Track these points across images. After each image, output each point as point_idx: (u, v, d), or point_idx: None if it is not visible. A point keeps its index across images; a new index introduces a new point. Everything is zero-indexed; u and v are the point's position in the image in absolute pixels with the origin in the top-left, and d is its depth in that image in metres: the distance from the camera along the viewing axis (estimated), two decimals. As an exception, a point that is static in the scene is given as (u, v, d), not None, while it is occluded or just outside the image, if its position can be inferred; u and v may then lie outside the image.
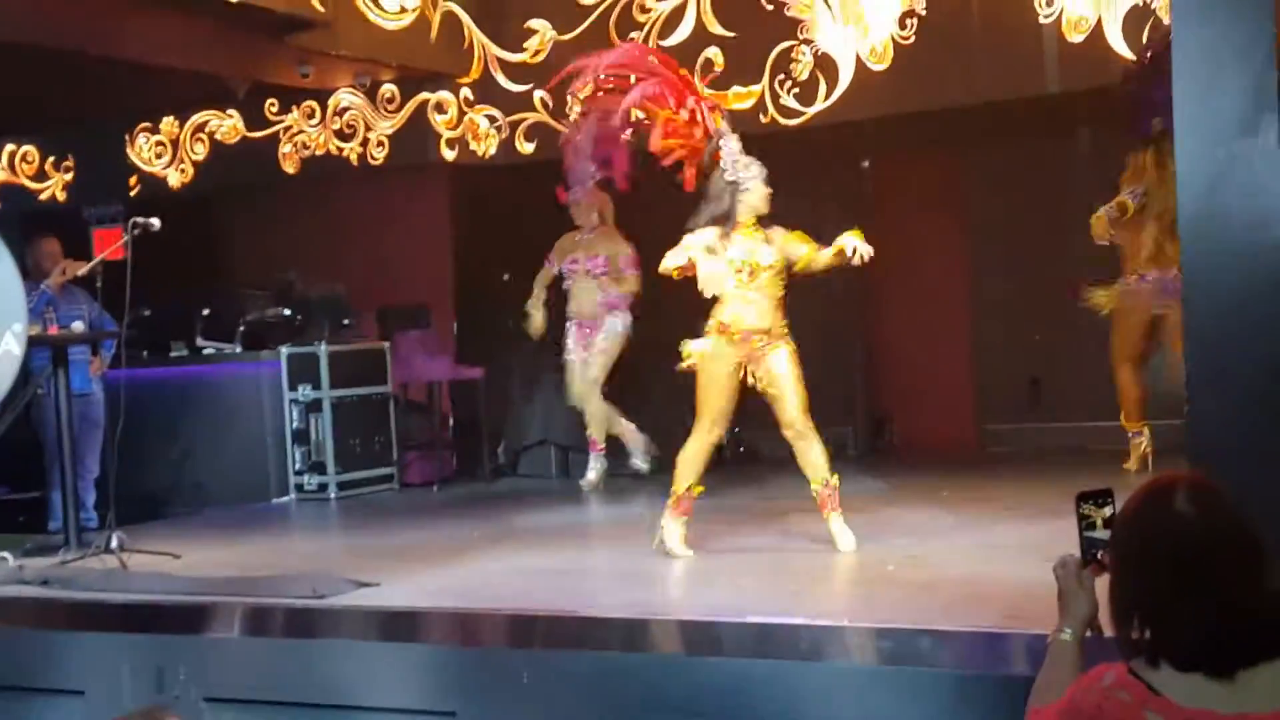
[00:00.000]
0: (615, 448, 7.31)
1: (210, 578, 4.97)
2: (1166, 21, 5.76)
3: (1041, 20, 6.74)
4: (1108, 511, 2.36)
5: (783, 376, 5.09)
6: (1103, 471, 5.99)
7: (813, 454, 5.08)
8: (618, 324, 7.20)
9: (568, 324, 7.32)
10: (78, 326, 6.32)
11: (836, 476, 5.10)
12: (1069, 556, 2.31)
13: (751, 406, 8.52)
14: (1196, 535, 1.98)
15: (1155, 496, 2.05)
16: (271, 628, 4.42)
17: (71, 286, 6.78)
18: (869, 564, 4.75)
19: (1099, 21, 6.61)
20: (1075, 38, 6.67)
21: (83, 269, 6.44)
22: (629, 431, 7.24)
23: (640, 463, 7.21)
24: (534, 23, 7.94)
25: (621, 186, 5.92)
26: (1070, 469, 6.72)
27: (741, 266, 5.07)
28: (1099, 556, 2.32)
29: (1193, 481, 2.04)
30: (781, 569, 4.83)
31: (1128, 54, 6.54)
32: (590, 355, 7.18)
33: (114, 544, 5.38)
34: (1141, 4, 6.50)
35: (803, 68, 7.32)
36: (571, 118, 6.56)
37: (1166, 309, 5.96)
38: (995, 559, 4.73)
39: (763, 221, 5.21)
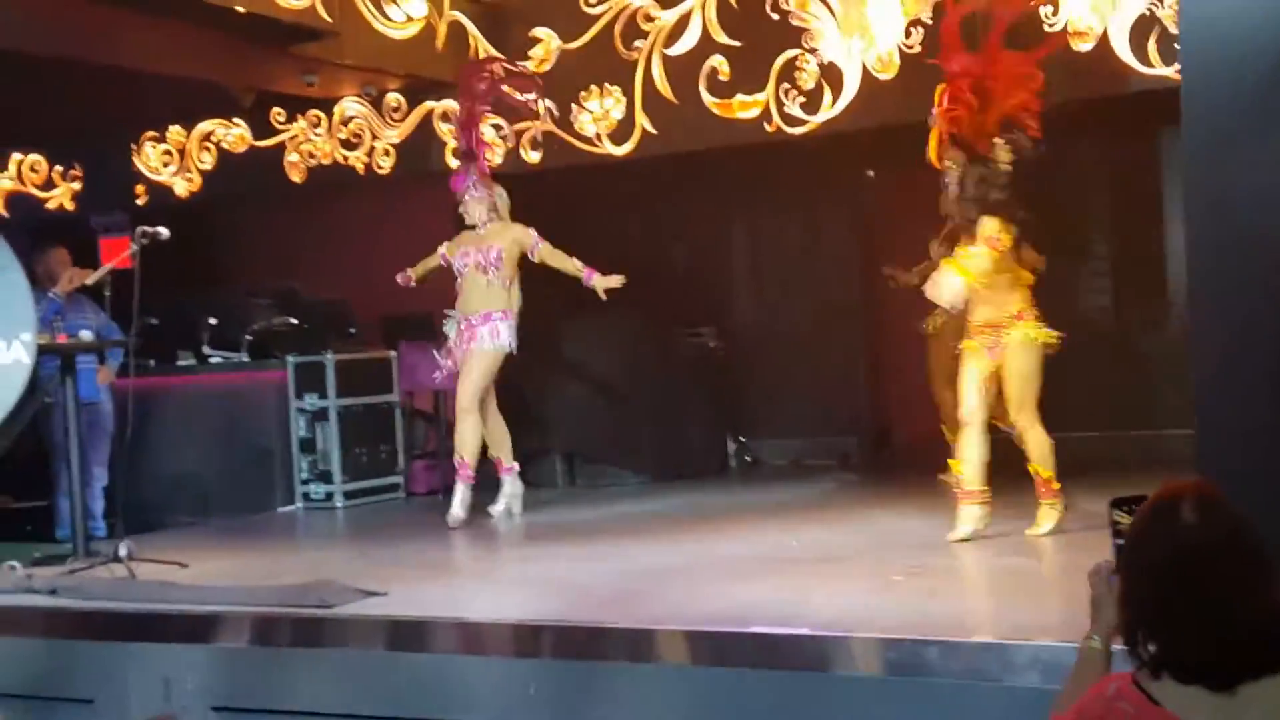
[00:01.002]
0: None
1: (217, 587, 4.97)
2: (1174, 30, 5.79)
3: (1046, 29, 6.74)
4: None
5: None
6: (1106, 482, 5.98)
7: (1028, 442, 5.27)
8: (501, 333, 6.59)
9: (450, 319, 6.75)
10: (86, 335, 6.34)
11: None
12: (1102, 563, 2.29)
13: (757, 415, 8.58)
14: (1200, 546, 1.95)
15: (1161, 507, 2.03)
16: (278, 637, 4.43)
17: (78, 295, 6.80)
18: (874, 574, 4.75)
19: (1105, 31, 6.61)
20: (1081, 47, 6.67)
21: (91, 277, 6.46)
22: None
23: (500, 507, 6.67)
24: (539, 31, 7.96)
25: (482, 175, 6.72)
26: (1074, 480, 6.72)
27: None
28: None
29: (1200, 492, 2.02)
30: (786, 579, 4.83)
31: (1134, 64, 6.55)
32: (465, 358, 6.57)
33: (122, 553, 5.39)
34: (1148, 14, 6.51)
35: (808, 77, 7.32)
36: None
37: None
38: (1002, 569, 4.73)
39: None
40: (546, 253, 6.63)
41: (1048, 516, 5.25)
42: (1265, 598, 1.93)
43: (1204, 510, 1.97)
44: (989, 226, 5.22)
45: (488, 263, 6.61)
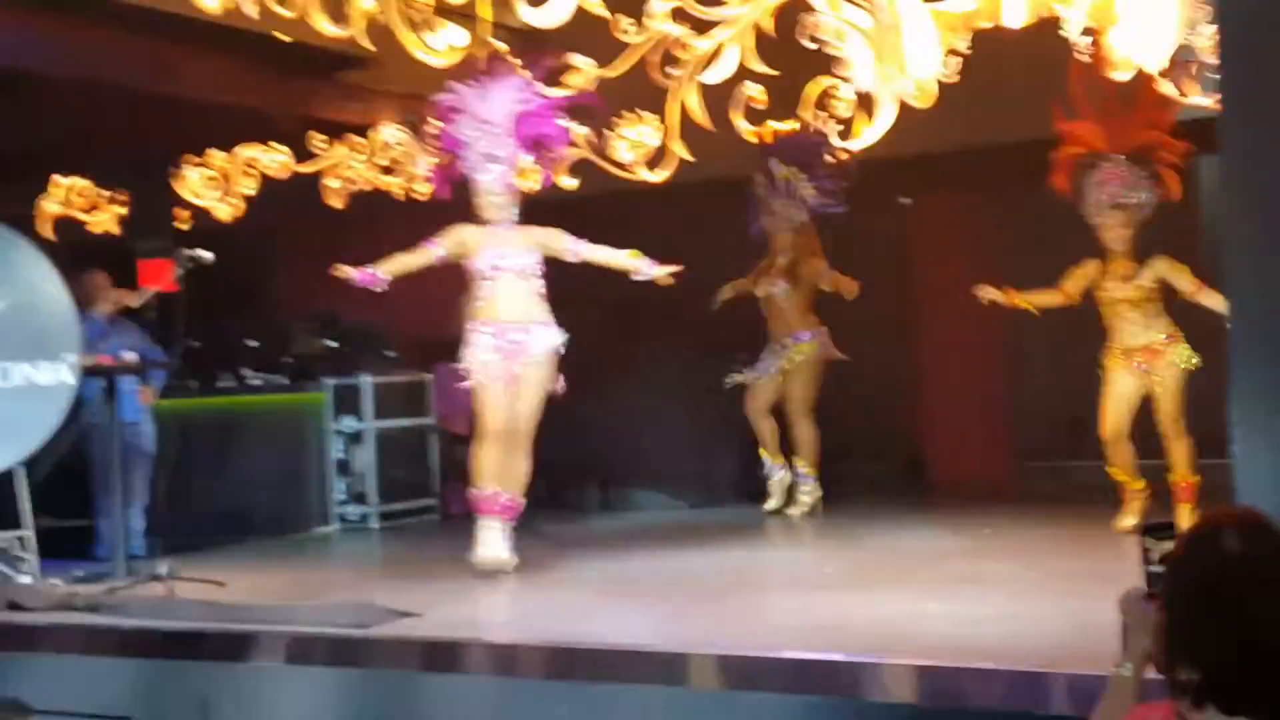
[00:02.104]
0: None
1: (254, 605, 5.02)
2: (1212, 62, 5.77)
3: (1078, 55, 6.73)
4: (1169, 545, 2.26)
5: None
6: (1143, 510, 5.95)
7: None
8: (548, 344, 5.87)
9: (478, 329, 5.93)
10: (129, 357, 6.43)
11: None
12: (1133, 590, 2.24)
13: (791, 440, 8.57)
14: (1244, 574, 1.91)
15: (1204, 533, 1.99)
16: (315, 657, 4.46)
17: (121, 317, 6.90)
18: (908, 601, 4.74)
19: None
20: (1118, 76, 6.66)
21: (136, 300, 6.56)
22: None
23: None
24: (576, 59, 8.03)
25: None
26: (1111, 509, 6.68)
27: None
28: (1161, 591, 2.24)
29: (1244, 518, 1.98)
30: (824, 606, 4.83)
31: (1172, 92, 6.53)
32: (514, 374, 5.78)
33: (162, 572, 5.45)
34: (1184, 44, 6.48)
35: (844, 105, 7.34)
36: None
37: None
38: (1037, 598, 4.71)
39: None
40: (587, 251, 6.04)
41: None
42: None
43: (1248, 535, 1.93)
44: None
45: (528, 266, 5.92)
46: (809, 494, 7.27)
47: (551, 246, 5.97)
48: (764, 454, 7.30)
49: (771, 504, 7.20)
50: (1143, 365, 6.00)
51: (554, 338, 5.83)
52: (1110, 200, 6.00)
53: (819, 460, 7.25)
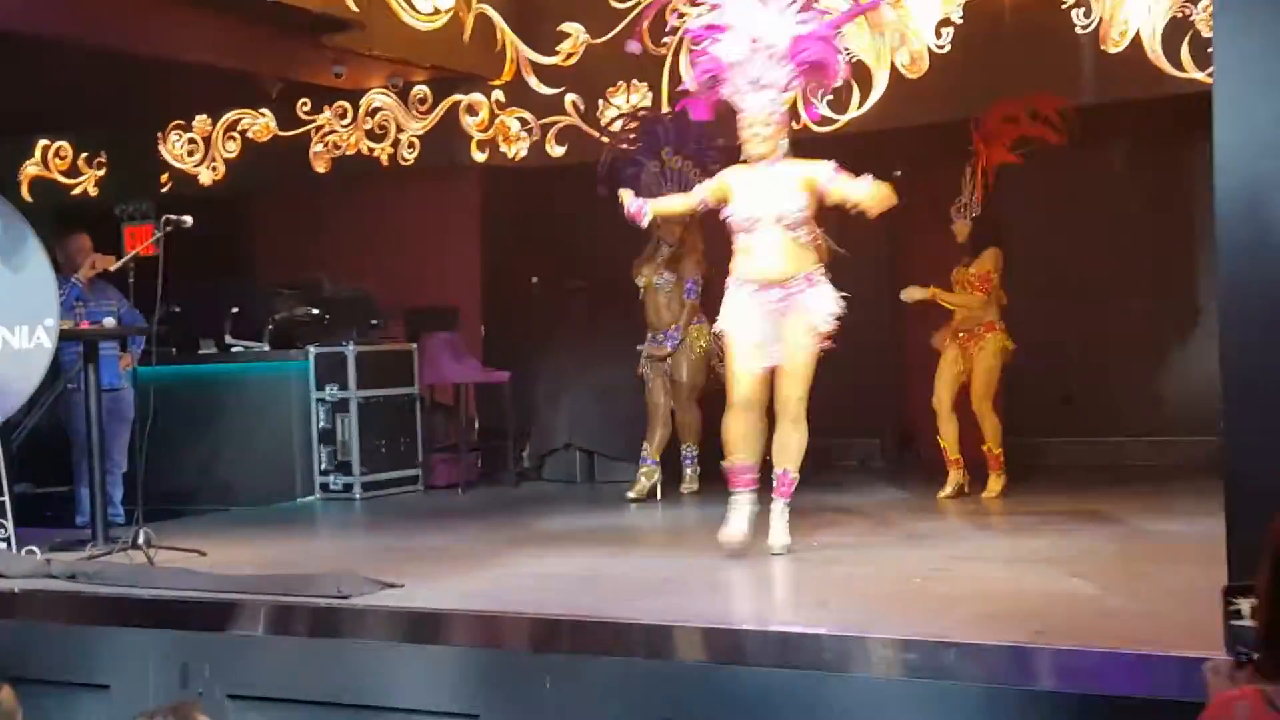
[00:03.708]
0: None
1: (236, 575, 4.97)
2: (1206, 34, 5.73)
3: (1079, 31, 6.69)
4: (1247, 607, 2.13)
5: None
6: (1135, 488, 5.94)
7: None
8: (826, 298, 5.14)
9: (734, 285, 5.20)
10: (108, 322, 6.35)
11: None
12: (1219, 661, 2.08)
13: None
14: None
15: None
16: (296, 627, 4.42)
17: (101, 282, 6.81)
18: (895, 576, 4.71)
19: (1138, 33, 6.56)
20: (1113, 49, 6.62)
21: (114, 264, 6.47)
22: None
23: None
24: (567, 26, 7.95)
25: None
26: (1102, 484, 6.67)
27: None
28: (1254, 658, 2.02)
29: None
30: (807, 578, 4.80)
31: (1167, 67, 6.49)
32: (790, 338, 5.09)
33: (141, 540, 5.40)
34: (1181, 16, 6.45)
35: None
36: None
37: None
38: (1025, 573, 4.68)
39: None
40: (838, 190, 5.13)
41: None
42: None
43: None
44: None
45: (793, 215, 5.09)
46: (694, 474, 7.24)
47: (816, 183, 5.11)
48: (647, 446, 7.21)
49: (633, 493, 7.11)
50: (968, 346, 6.61)
51: (824, 296, 5.10)
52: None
53: (701, 440, 7.22)
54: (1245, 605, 2.05)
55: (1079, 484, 6.70)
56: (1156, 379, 7.81)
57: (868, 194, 5.03)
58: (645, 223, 5.48)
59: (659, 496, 7.23)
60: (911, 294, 6.66)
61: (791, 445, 5.15)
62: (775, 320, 5.06)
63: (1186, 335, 7.49)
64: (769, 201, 5.06)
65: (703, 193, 5.31)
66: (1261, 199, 3.44)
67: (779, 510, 5.18)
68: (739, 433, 5.15)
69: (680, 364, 7.22)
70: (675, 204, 5.67)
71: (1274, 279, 3.44)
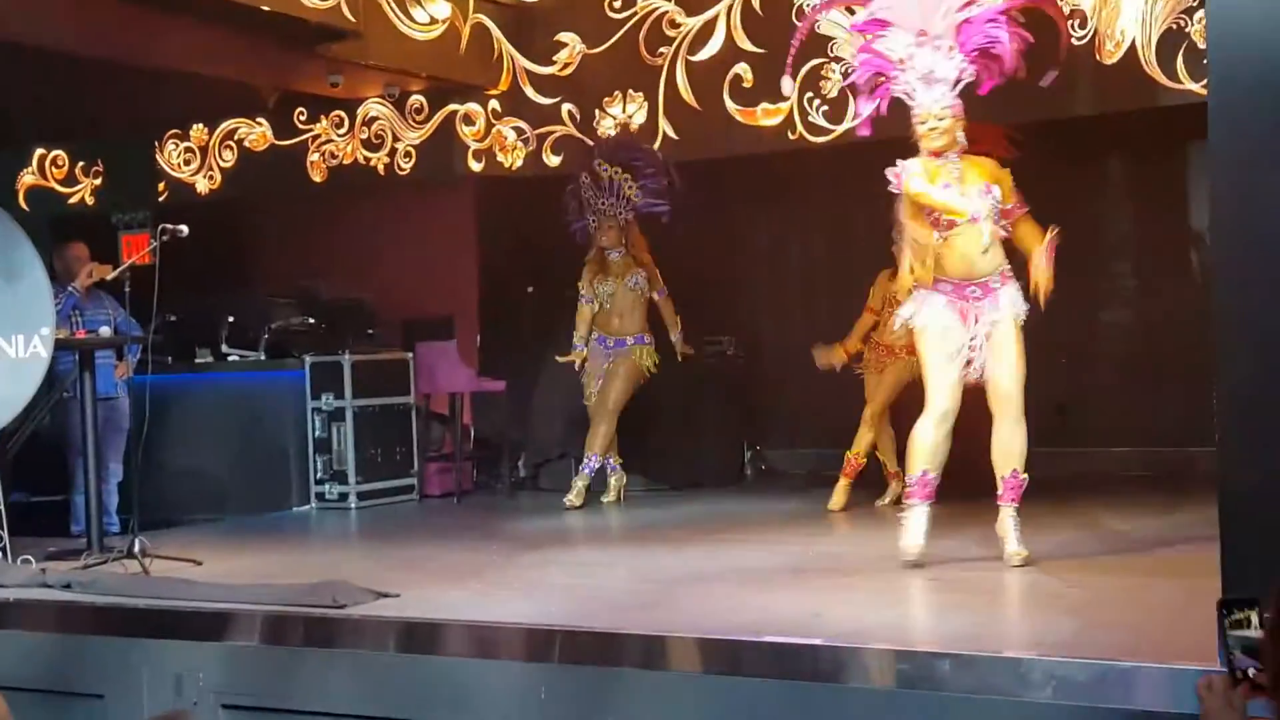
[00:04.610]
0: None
1: (230, 585, 4.97)
2: (1201, 45, 5.75)
3: (1074, 42, 6.71)
4: (1255, 618, 1.96)
5: None
6: (1131, 498, 5.95)
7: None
8: (1016, 299, 4.96)
9: (933, 290, 4.97)
10: (104, 331, 6.35)
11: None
12: (1214, 677, 1.94)
13: (775, 425, 8.55)
14: None
15: None
16: (291, 636, 4.42)
17: (97, 291, 6.81)
18: (890, 586, 4.72)
19: (1133, 44, 6.58)
20: (1108, 60, 6.64)
21: (111, 273, 6.47)
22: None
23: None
24: (563, 36, 7.96)
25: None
26: (1097, 495, 6.67)
27: None
28: (1249, 674, 1.94)
29: None
30: (803, 591, 4.80)
31: (1162, 78, 6.51)
32: (980, 337, 4.91)
33: (136, 549, 5.39)
34: (1175, 28, 6.47)
35: (832, 85, 7.30)
36: None
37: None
38: (1017, 585, 4.69)
39: None
40: (1027, 231, 5.04)
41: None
42: None
43: None
44: None
45: (984, 209, 4.86)
46: (584, 485, 7.25)
47: (1006, 190, 4.97)
48: (588, 450, 7.25)
49: (571, 498, 7.14)
50: (904, 356, 6.48)
51: (1017, 294, 4.95)
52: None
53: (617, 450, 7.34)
54: (1244, 617, 1.88)
55: (1072, 494, 6.70)
56: (1150, 389, 7.82)
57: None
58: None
59: (622, 499, 7.28)
60: (825, 358, 6.89)
61: (1016, 444, 4.95)
62: (976, 321, 4.88)
63: (1181, 346, 7.50)
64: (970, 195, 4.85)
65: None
66: (1256, 210, 3.45)
67: (1010, 518, 4.94)
68: (933, 442, 4.96)
69: (615, 375, 7.24)
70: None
71: (1269, 289, 3.46)
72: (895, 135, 7.10)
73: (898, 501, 6.59)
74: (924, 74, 4.88)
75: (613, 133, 7.79)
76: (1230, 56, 3.47)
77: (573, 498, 7.18)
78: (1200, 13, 6.18)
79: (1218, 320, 3.49)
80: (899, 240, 5.35)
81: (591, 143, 7.63)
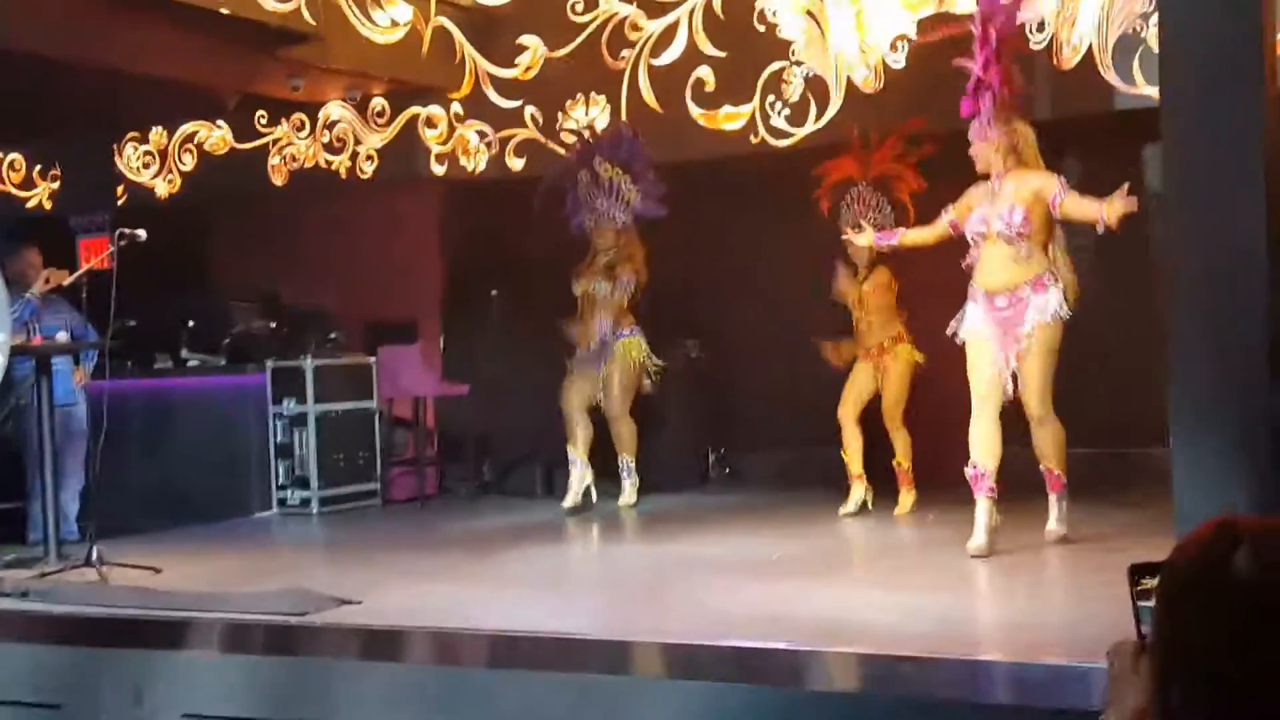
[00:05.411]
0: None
1: (190, 593, 4.93)
2: (1156, 50, 5.80)
3: (1033, 47, 6.76)
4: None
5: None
6: (1088, 501, 5.99)
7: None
8: (1050, 303, 5.32)
9: (971, 300, 5.46)
10: (61, 337, 6.28)
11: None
12: (1124, 641, 1.85)
13: (740, 427, 8.57)
14: (1261, 605, 1.50)
15: (1208, 552, 1.57)
16: (251, 645, 4.39)
17: (54, 296, 6.74)
18: (849, 589, 4.74)
19: (1089, 49, 6.64)
20: (1066, 65, 6.69)
21: (68, 279, 6.41)
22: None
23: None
24: (525, 39, 7.95)
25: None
26: (1072, 499, 6.70)
27: None
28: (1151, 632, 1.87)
29: (1261, 532, 1.54)
30: (765, 594, 4.81)
31: (1118, 83, 6.58)
32: (1012, 345, 5.33)
33: (94, 557, 5.34)
34: (1132, 33, 6.53)
35: (793, 89, 7.33)
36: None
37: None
38: (977, 587, 4.72)
39: None
40: (1071, 206, 5.33)
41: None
42: None
43: (1268, 557, 1.51)
44: None
45: (1011, 229, 5.33)
46: (633, 486, 7.27)
47: (1042, 195, 5.35)
48: (572, 450, 7.24)
49: (569, 502, 7.15)
50: (876, 360, 6.70)
51: (1050, 303, 5.30)
52: (853, 222, 6.55)
53: (637, 451, 7.31)
54: (1155, 584, 1.87)
55: (1036, 499, 6.75)
56: (1109, 390, 7.88)
57: (1099, 212, 5.20)
58: (896, 242, 6.05)
59: (594, 499, 7.25)
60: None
61: (1045, 443, 5.40)
62: (1005, 327, 5.33)
63: (1138, 350, 7.57)
64: (993, 216, 5.37)
65: (948, 214, 5.63)
66: (1209, 212, 3.50)
67: (1053, 502, 5.47)
68: (981, 437, 5.36)
69: (612, 375, 7.23)
70: (926, 233, 5.87)
71: (1220, 290, 3.51)
72: (849, 139, 7.10)
73: (863, 508, 6.65)
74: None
75: (600, 128, 7.72)
76: (1181, 59, 3.52)
77: (571, 501, 7.18)
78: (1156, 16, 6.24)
79: (1173, 321, 3.53)
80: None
81: (580, 147, 7.51)
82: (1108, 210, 5.15)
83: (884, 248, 6.25)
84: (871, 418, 6.92)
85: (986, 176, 5.50)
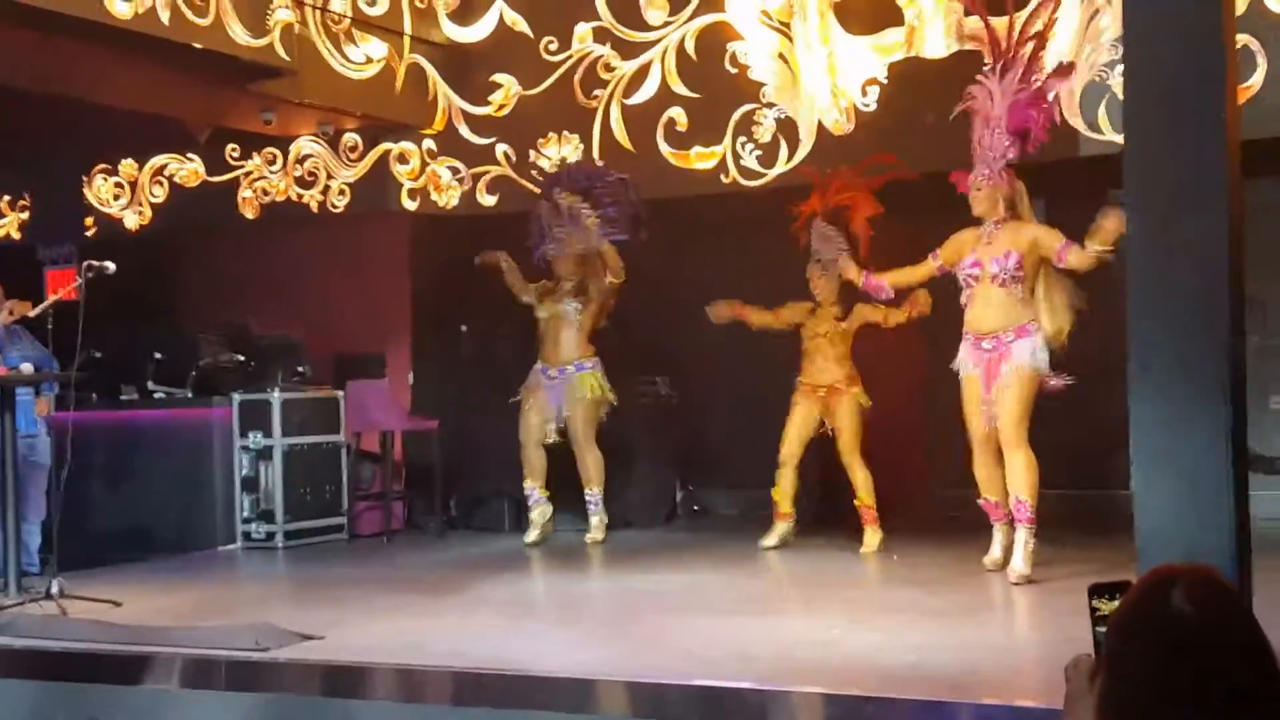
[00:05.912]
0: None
1: (150, 627, 4.88)
2: (1121, 97, 5.89)
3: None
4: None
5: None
6: (1048, 539, 6.02)
7: None
8: (1032, 349, 5.69)
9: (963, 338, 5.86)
10: (26, 368, 6.23)
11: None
12: (1082, 657, 1.94)
13: (708, 465, 8.57)
14: (1194, 638, 1.65)
15: (1149, 593, 1.72)
16: (212, 680, 4.35)
17: (16, 327, 6.70)
18: (815, 628, 4.74)
19: (1055, 95, 6.72)
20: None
21: (32, 310, 6.37)
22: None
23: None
24: (498, 77, 7.99)
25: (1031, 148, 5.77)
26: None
27: None
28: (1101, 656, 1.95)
29: (1194, 576, 1.70)
30: (730, 632, 4.81)
31: (1084, 129, 6.67)
32: (993, 381, 5.70)
33: (54, 590, 5.28)
34: (1098, 80, 6.63)
35: (764, 130, 7.40)
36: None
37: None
38: (942, 627, 4.73)
39: None
40: (1074, 257, 5.61)
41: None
42: (1273, 694, 1.63)
43: (1199, 597, 1.67)
44: None
45: (1005, 273, 5.69)
46: (601, 523, 7.29)
47: (1043, 246, 5.71)
48: (529, 484, 7.28)
49: (530, 536, 7.19)
50: (826, 400, 6.76)
51: (1031, 347, 5.66)
52: (814, 256, 6.72)
53: (604, 482, 7.33)
54: (1107, 612, 1.97)
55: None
56: (1081, 434, 7.93)
57: (1094, 251, 5.51)
58: (888, 294, 6.35)
59: (554, 528, 7.28)
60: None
61: (1016, 473, 5.63)
62: (988, 366, 5.70)
63: (1100, 390, 7.65)
64: (988, 260, 5.71)
65: (937, 259, 5.97)
66: (1172, 257, 3.54)
67: (1020, 540, 5.61)
68: (979, 472, 5.81)
69: (575, 408, 7.26)
70: (912, 274, 6.17)
71: (1182, 331, 3.54)
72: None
73: (784, 542, 6.76)
74: (984, 150, 5.79)
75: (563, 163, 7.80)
76: (1146, 106, 3.57)
77: (534, 535, 7.21)
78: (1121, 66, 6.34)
79: (1132, 361, 3.56)
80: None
81: (541, 178, 7.63)
82: (1100, 236, 5.44)
83: (881, 298, 6.43)
84: (828, 459, 6.96)
85: (976, 221, 5.81)
